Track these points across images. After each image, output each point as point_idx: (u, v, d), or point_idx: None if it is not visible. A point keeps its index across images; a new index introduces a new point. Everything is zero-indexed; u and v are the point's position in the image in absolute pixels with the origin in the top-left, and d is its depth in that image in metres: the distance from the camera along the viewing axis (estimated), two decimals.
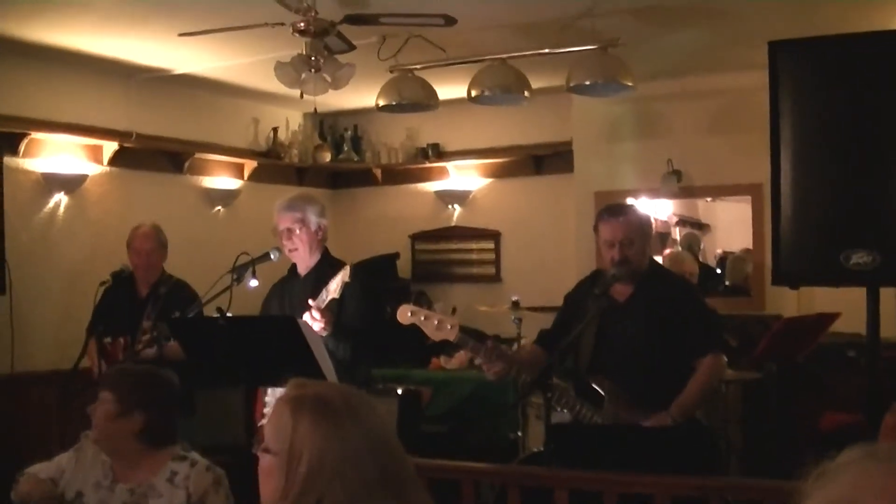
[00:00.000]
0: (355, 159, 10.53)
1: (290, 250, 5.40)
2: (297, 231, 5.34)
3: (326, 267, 5.28)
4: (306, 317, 4.94)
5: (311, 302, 4.97)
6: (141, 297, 6.44)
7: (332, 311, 5.03)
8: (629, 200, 8.09)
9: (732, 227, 8.99)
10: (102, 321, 6.27)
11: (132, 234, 6.61)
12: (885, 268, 4.13)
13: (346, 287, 4.93)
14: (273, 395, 5.05)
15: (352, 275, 4.92)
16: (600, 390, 4.64)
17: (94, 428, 3.62)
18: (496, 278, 10.14)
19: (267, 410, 5.05)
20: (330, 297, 4.96)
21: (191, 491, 3.50)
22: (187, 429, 5.44)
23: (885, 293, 4.39)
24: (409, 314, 4.85)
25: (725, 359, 4.86)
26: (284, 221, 5.38)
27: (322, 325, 4.93)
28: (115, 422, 3.54)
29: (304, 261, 5.43)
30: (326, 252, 5.49)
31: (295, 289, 5.42)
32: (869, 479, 1.33)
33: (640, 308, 4.77)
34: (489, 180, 10.20)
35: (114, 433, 3.56)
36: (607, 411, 4.59)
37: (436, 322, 4.79)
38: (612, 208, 5.02)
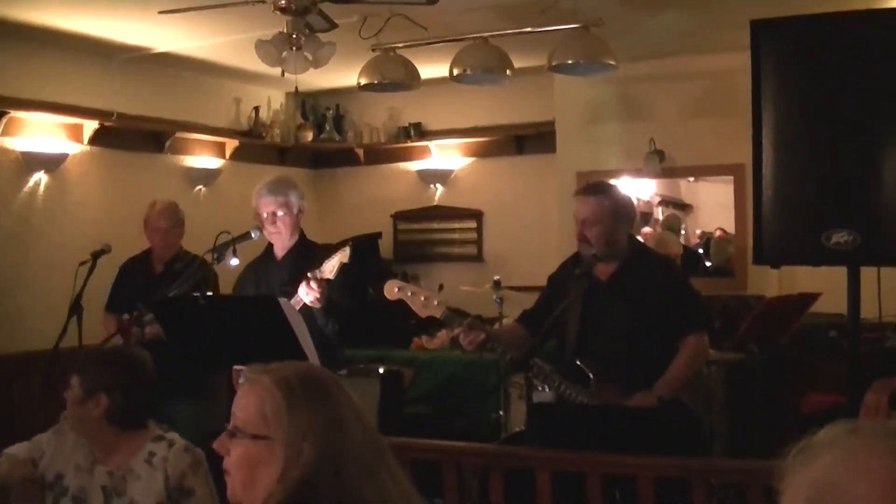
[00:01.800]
0: (337, 139, 10.52)
1: (271, 234, 5.39)
2: (281, 215, 5.33)
3: (303, 249, 5.29)
4: (301, 288, 4.93)
5: (309, 273, 4.95)
6: (157, 274, 6.44)
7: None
8: (612, 181, 8.08)
9: (715, 207, 9.00)
10: (120, 298, 6.35)
11: (148, 212, 6.62)
12: (865, 247, 4.13)
13: (342, 269, 4.91)
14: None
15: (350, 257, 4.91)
16: (586, 369, 4.64)
17: (67, 413, 3.60)
18: (478, 258, 10.15)
19: None
20: (324, 278, 4.94)
21: (169, 472, 3.46)
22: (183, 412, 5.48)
23: (866, 273, 4.39)
24: (396, 290, 4.84)
25: (707, 338, 4.84)
26: (268, 206, 5.36)
27: (316, 296, 4.91)
28: (83, 406, 3.50)
29: (283, 243, 5.42)
30: (303, 234, 5.49)
31: (271, 270, 5.42)
32: (852, 458, 1.32)
33: (623, 287, 4.77)
34: (471, 160, 10.21)
35: (83, 417, 3.52)
36: (592, 391, 4.59)
37: (422, 298, 4.79)
38: (585, 186, 4.99)
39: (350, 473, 2.15)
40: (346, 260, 4.89)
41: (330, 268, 4.91)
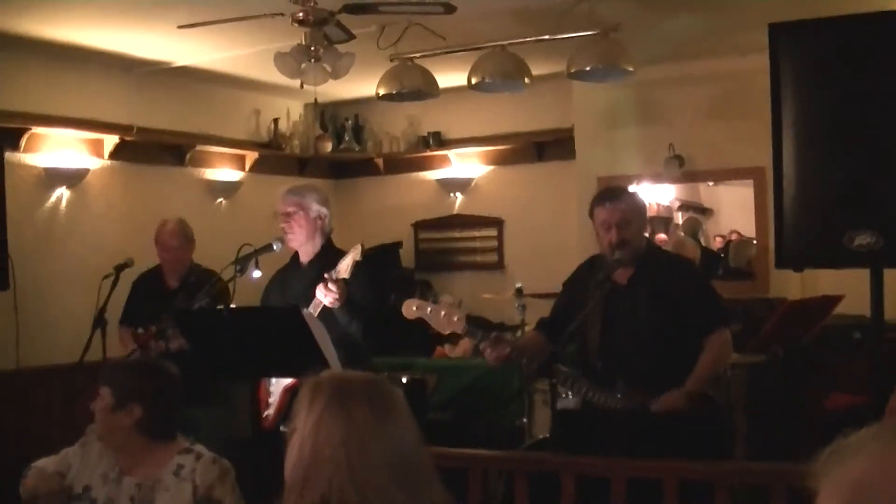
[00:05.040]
0: (356, 149, 10.55)
1: (287, 237, 5.39)
2: (295, 215, 5.34)
3: (329, 256, 5.29)
4: (319, 289, 4.95)
5: (326, 275, 4.96)
6: (171, 289, 6.54)
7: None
8: (631, 186, 8.07)
9: (735, 210, 8.99)
10: (134, 313, 6.41)
11: (159, 230, 6.69)
12: (888, 248, 4.12)
13: (355, 267, 4.93)
14: (277, 385, 5.06)
15: (362, 254, 4.93)
16: (611, 373, 4.63)
17: (96, 424, 3.62)
18: (499, 266, 10.15)
19: (272, 400, 5.07)
20: (340, 278, 4.95)
21: (197, 483, 3.49)
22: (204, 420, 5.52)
23: (889, 274, 4.38)
24: (415, 308, 4.81)
25: (729, 334, 4.82)
26: (284, 205, 5.39)
27: (335, 296, 4.92)
28: (114, 415, 3.54)
29: (303, 248, 5.43)
30: (330, 241, 5.48)
31: (297, 278, 5.42)
32: (891, 458, 1.31)
33: (642, 289, 4.76)
34: (491, 168, 10.21)
35: (113, 427, 3.55)
36: (619, 394, 4.58)
37: (442, 314, 4.77)
38: (606, 192, 4.99)
39: (360, 490, 2.19)
40: (358, 258, 4.91)
41: (344, 267, 4.93)
